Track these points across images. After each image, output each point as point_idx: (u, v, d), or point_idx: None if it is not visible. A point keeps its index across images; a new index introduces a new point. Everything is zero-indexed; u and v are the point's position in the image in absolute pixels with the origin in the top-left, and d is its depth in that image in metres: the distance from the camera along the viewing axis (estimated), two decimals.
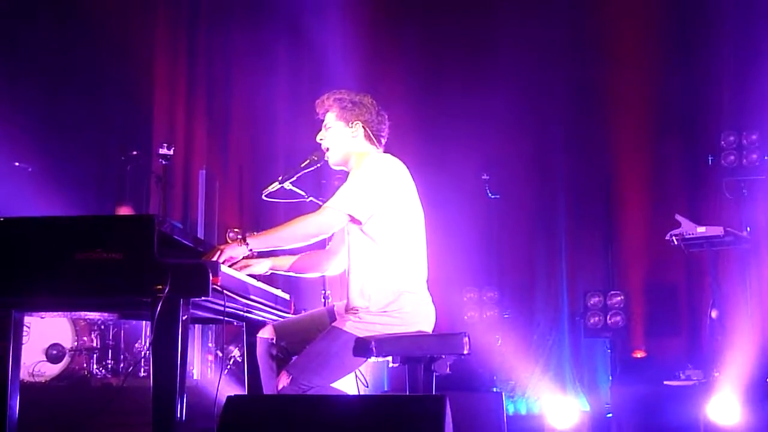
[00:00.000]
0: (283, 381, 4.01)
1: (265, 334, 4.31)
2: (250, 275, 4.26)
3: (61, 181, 8.92)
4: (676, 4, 9.54)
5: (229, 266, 4.04)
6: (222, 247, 4.06)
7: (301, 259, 4.60)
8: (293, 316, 4.68)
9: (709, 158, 8.54)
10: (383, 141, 4.48)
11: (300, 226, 4.17)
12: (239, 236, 4.31)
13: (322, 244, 4.54)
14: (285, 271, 4.57)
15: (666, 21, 9.49)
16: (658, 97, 9.38)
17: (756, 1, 8.93)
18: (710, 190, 8.90)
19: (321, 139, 4.46)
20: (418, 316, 4.22)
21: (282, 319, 4.54)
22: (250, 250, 4.08)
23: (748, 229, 8.17)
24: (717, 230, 7.70)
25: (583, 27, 9.69)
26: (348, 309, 4.24)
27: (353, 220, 4.17)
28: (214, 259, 3.93)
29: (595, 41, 9.60)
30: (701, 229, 7.69)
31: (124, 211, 8.69)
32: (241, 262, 4.19)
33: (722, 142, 8.40)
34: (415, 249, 4.31)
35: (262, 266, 4.35)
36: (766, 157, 8.24)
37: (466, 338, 4.16)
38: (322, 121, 4.47)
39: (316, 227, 4.16)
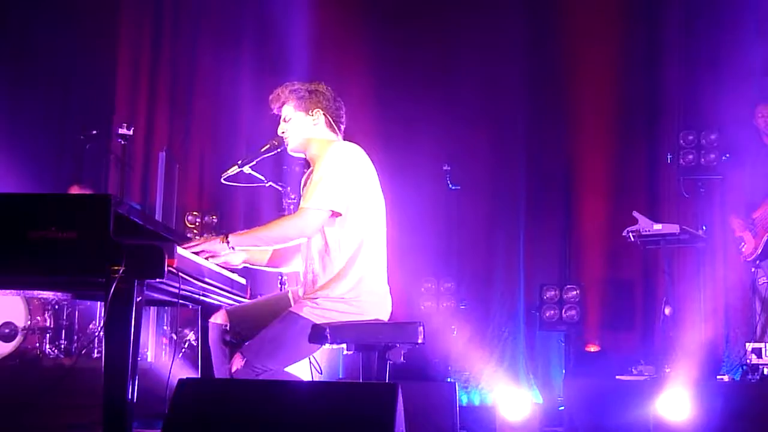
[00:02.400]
0: (237, 363, 4.00)
1: (218, 319, 4.30)
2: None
3: (17, 158, 8.83)
4: (637, 2, 9.59)
5: (206, 258, 4.06)
6: (204, 239, 4.13)
7: (277, 252, 4.59)
8: (249, 300, 4.67)
9: (668, 157, 8.61)
10: (342, 127, 4.49)
11: (281, 228, 4.21)
12: (222, 232, 4.30)
13: None
14: (263, 266, 4.58)
15: (627, 18, 9.54)
16: (619, 94, 9.42)
17: (716, 2, 8.99)
18: (668, 188, 8.97)
19: (283, 132, 4.45)
20: (375, 305, 4.24)
21: (236, 304, 4.54)
22: (231, 247, 4.10)
23: (704, 228, 8.25)
24: (673, 228, 7.76)
25: (544, 22, 9.72)
26: (305, 294, 4.24)
27: (334, 214, 4.17)
28: (193, 247, 3.99)
29: (557, 36, 9.62)
30: (658, 227, 7.75)
31: (76, 191, 8.59)
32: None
33: (681, 141, 8.47)
34: (376, 237, 4.32)
35: (237, 257, 4.33)
36: (723, 158, 8.31)
37: (421, 327, 4.18)
38: (279, 115, 4.46)
39: (297, 230, 4.18)
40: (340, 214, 4.18)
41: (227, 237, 4.10)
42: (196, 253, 4.00)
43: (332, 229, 4.21)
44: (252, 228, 4.29)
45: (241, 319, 4.30)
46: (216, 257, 4.14)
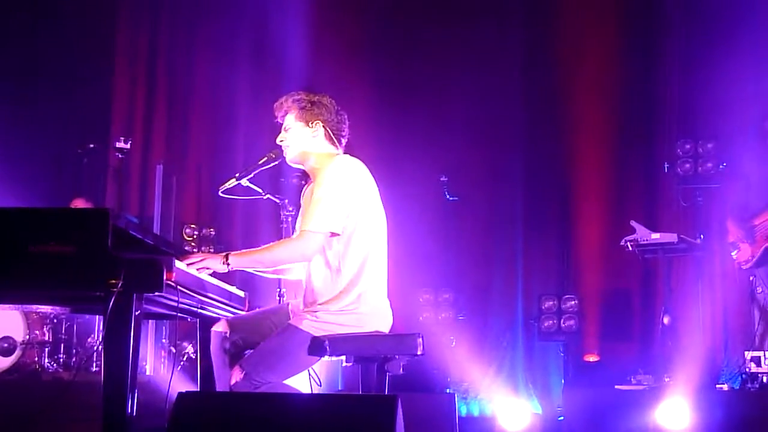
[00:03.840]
0: (236, 376, 4.00)
1: (219, 328, 4.29)
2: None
3: (15, 173, 8.83)
4: (634, 12, 9.61)
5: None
6: (205, 255, 4.09)
7: None
8: (245, 313, 4.67)
9: (666, 166, 8.62)
10: (343, 141, 4.46)
11: (281, 251, 4.18)
12: (212, 250, 4.29)
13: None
14: (265, 273, 4.56)
15: (624, 29, 9.57)
16: (616, 103, 9.44)
17: (713, 12, 9.01)
18: (666, 197, 8.99)
19: (281, 141, 4.44)
20: (375, 318, 4.22)
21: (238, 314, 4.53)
22: (231, 269, 4.10)
23: (702, 236, 8.25)
24: (671, 237, 7.77)
25: (541, 33, 9.75)
26: (306, 307, 4.23)
27: (333, 234, 4.16)
28: (194, 261, 3.97)
29: (553, 47, 9.65)
30: (656, 236, 7.76)
31: (79, 204, 8.59)
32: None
33: (678, 150, 8.49)
34: (378, 253, 4.31)
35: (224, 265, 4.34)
36: (721, 166, 8.32)
37: (420, 339, 4.18)
38: (281, 124, 4.45)
39: (298, 254, 4.17)
40: (339, 235, 4.17)
41: (227, 257, 4.08)
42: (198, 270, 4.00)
43: (332, 248, 4.19)
44: (252, 248, 4.28)
45: (239, 328, 4.30)
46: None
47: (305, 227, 4.15)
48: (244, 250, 4.24)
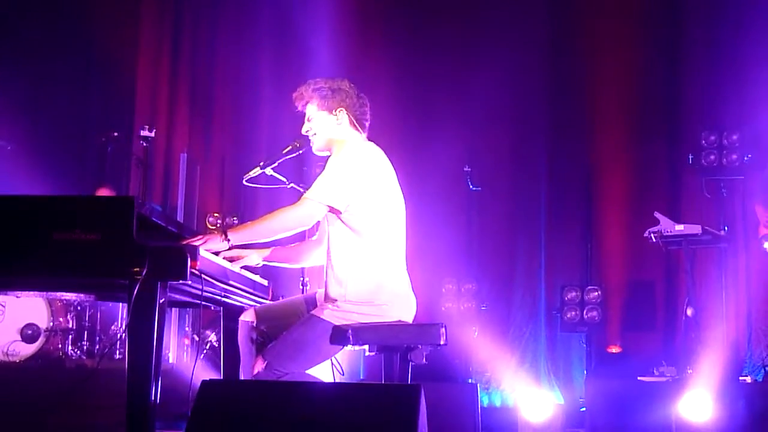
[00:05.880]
0: (259, 366, 4.01)
1: (247, 317, 4.31)
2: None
3: (40, 161, 8.87)
4: (658, 2, 9.56)
5: (223, 258, 4.06)
6: (204, 236, 4.04)
7: (286, 249, 4.58)
8: (272, 302, 4.67)
9: (690, 157, 8.57)
10: (366, 125, 4.45)
11: (279, 219, 4.14)
12: (219, 227, 4.27)
13: (301, 236, 4.53)
14: (267, 261, 4.55)
15: (648, 19, 9.51)
16: (640, 94, 9.39)
17: (737, 2, 8.95)
18: (690, 188, 8.94)
19: (307, 131, 4.43)
20: (397, 307, 4.22)
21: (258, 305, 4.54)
22: (231, 245, 4.07)
23: (726, 228, 8.21)
24: (695, 229, 7.72)
25: (566, 23, 9.70)
26: (327, 298, 4.23)
27: (332, 210, 4.15)
28: (195, 243, 3.91)
29: (578, 36, 9.60)
30: (679, 227, 7.71)
31: (104, 193, 8.63)
32: (233, 252, 4.18)
33: (703, 142, 8.43)
34: (395, 238, 4.30)
35: (254, 258, 4.34)
36: (745, 158, 8.27)
37: (443, 329, 4.17)
38: (303, 113, 4.44)
39: (295, 220, 4.15)
40: (339, 212, 4.15)
41: (226, 234, 4.05)
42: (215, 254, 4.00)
43: (343, 233, 4.19)
44: (250, 221, 4.28)
45: (267, 317, 4.31)
46: (236, 260, 4.16)
47: (307, 194, 4.15)
48: (241, 224, 4.24)
